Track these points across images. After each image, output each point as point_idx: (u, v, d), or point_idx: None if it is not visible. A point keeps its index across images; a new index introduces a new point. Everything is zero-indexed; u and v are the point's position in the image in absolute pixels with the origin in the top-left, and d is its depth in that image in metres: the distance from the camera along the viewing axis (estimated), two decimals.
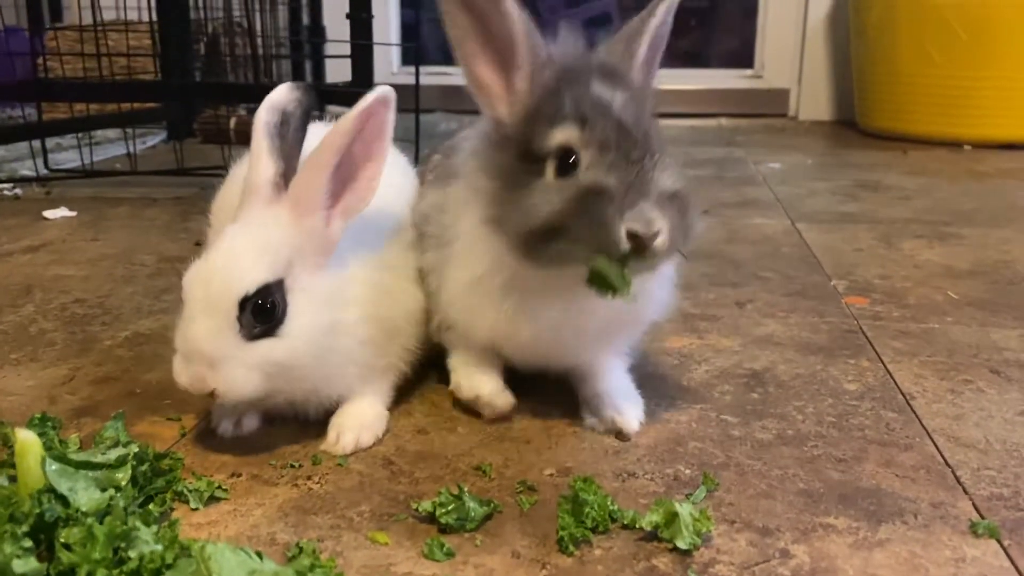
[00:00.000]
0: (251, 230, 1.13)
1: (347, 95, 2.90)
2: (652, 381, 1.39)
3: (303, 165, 1.15)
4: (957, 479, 1.11)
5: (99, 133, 3.52)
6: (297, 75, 4.70)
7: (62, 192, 2.88)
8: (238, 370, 1.08)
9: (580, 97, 1.05)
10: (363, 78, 2.85)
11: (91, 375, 1.43)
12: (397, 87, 1.17)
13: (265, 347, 1.09)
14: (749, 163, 3.54)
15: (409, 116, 2.84)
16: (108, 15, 4.21)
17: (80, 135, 3.27)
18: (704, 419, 1.27)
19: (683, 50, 5.86)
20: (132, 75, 3.41)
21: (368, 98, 1.13)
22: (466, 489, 1.01)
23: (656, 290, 1.18)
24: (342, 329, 1.16)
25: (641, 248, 0.99)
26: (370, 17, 2.81)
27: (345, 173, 1.15)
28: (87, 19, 3.04)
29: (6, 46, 3.84)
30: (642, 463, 1.15)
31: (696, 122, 4.77)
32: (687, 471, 1.13)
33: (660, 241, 1.00)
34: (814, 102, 4.87)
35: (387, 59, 5.01)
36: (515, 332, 1.17)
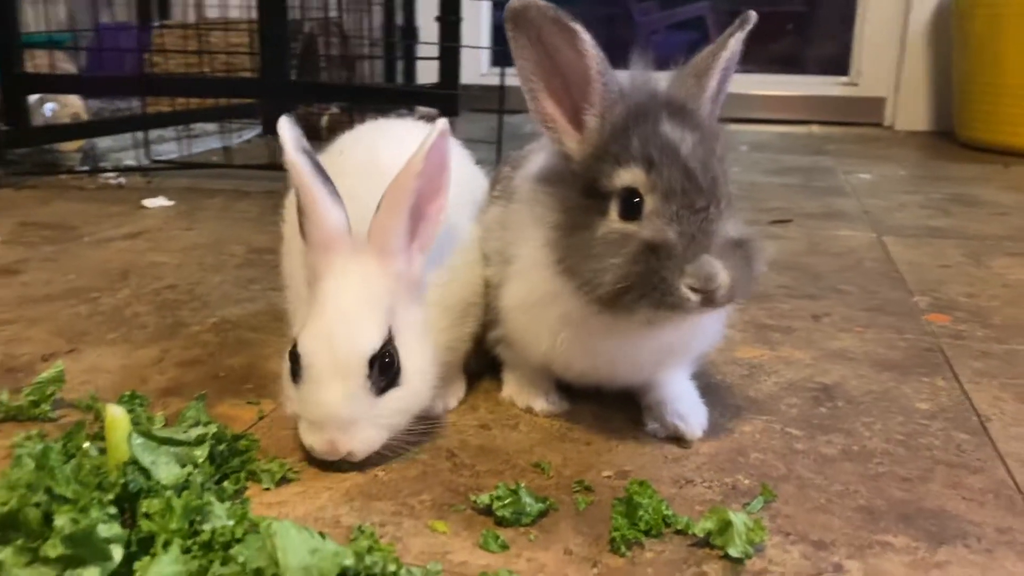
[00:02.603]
0: (353, 286, 1.12)
1: (432, 96, 2.96)
2: (719, 391, 1.39)
3: (380, 210, 1.13)
4: None
5: (198, 126, 3.67)
6: (389, 75, 4.80)
7: (161, 182, 3.02)
8: (370, 429, 1.10)
9: (648, 138, 1.05)
10: (449, 80, 2.90)
11: (178, 358, 1.51)
12: (486, 88, 1.19)
13: (393, 399, 1.11)
14: (838, 172, 3.47)
15: (495, 117, 2.88)
16: (212, 12, 4.40)
17: (180, 128, 3.42)
18: (768, 431, 1.27)
19: (777, 55, 5.77)
20: (231, 71, 3.55)
21: (431, 136, 1.12)
22: (523, 485, 1.04)
23: (709, 322, 1.20)
24: (437, 350, 1.20)
25: (705, 299, 1.02)
26: (458, 20, 2.86)
27: (416, 210, 1.15)
28: (192, 16, 3.18)
29: (117, 42, 4.05)
30: (701, 471, 1.15)
31: (786, 128, 4.69)
32: (746, 481, 1.13)
33: (722, 293, 1.02)
34: (911, 111, 4.72)
35: (476, 60, 5.07)
36: (569, 362, 1.21)
